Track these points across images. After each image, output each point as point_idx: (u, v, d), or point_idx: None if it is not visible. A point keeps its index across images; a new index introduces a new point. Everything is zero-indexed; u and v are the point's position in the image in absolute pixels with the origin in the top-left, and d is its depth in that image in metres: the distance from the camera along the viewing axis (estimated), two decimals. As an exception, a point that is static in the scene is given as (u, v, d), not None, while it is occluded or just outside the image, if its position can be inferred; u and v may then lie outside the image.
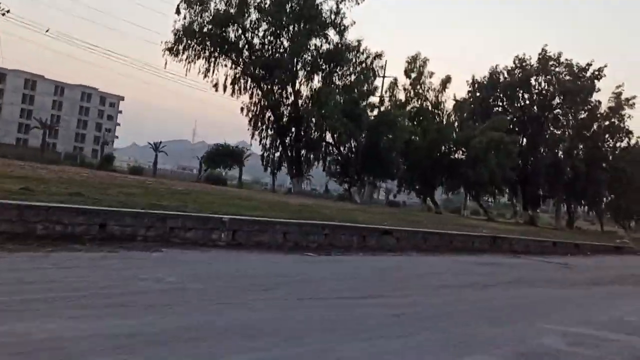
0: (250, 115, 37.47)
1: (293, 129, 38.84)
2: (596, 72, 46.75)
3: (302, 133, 38.42)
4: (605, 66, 46.10)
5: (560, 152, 47.90)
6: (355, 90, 36.14)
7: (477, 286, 9.93)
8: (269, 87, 37.30)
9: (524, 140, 49.42)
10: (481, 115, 47.03)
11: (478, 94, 48.71)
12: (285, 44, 37.55)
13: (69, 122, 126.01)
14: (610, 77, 48.83)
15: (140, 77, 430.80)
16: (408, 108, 43.48)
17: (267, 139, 38.25)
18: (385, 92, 45.26)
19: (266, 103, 37.24)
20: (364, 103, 35.46)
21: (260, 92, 37.19)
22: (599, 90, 47.91)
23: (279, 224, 12.54)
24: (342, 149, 39.39)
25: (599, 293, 10.68)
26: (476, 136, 39.16)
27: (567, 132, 48.51)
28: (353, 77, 38.13)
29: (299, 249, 12.21)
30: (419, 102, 44.43)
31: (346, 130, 34.92)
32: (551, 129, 49.26)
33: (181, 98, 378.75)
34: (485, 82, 48.97)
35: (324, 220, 14.68)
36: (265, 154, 39.03)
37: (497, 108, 48.92)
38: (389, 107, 44.14)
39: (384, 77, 42.34)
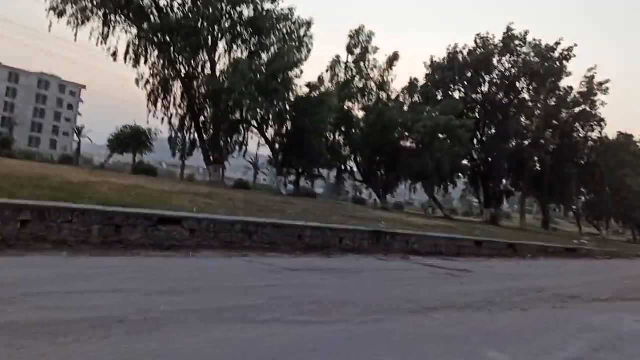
0: (149, 89, 32.08)
1: (209, 108, 33.60)
2: (565, 53, 42.04)
3: (220, 113, 33.18)
4: (575, 45, 41.48)
5: (527, 143, 43.00)
6: (279, 63, 30.91)
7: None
8: (177, 56, 32.01)
9: (486, 129, 44.61)
10: (438, 100, 42.15)
11: (436, 77, 43.77)
12: (201, 7, 32.29)
13: (24, 110, 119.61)
14: (583, 62, 43.87)
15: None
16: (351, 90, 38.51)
17: (176, 117, 32.93)
18: (327, 70, 40.33)
19: (172, 74, 31.91)
20: (283, 76, 30.16)
21: (165, 62, 31.85)
22: (569, 74, 43.26)
23: None
24: (266, 133, 34.19)
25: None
26: (421, 120, 34.14)
27: (533, 121, 43.67)
28: (278, 47, 33.00)
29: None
30: (362, 82, 39.44)
31: (257, 108, 29.75)
32: (517, 116, 44.39)
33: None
34: (444, 63, 44.06)
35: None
36: (174, 136, 33.67)
37: (456, 92, 43.98)
38: (330, 87, 39.23)
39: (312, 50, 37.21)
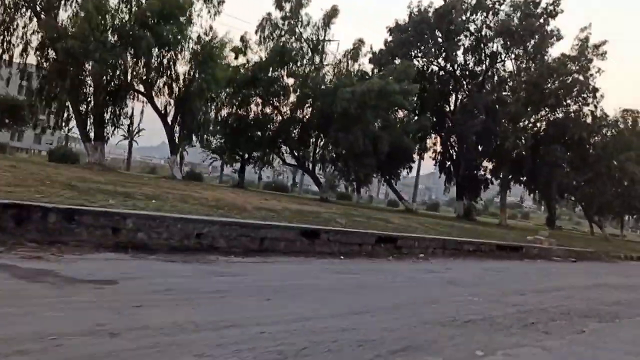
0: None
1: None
2: (550, 7, 34.92)
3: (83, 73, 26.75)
4: (563, -3, 34.22)
5: (505, 121, 35.88)
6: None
7: None
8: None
9: (458, 103, 37.73)
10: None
11: (394, 41, 36.96)
12: None
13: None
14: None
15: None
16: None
17: (31, 80, 26.58)
18: (256, 31, 33.85)
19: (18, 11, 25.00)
20: (157, 22, 23.64)
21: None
22: (559, 36, 36.15)
23: None
24: (155, 100, 27.84)
25: None
26: (352, 84, 27.42)
27: (512, 92, 36.61)
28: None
29: None
30: (297, 45, 32.91)
31: (113, 61, 23.36)
32: (492, 87, 37.39)
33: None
34: (405, 25, 37.26)
35: None
36: (32, 104, 27.39)
37: (418, 59, 37.09)
38: (260, 51, 32.95)
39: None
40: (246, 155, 34.96)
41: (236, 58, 33.07)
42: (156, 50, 26.05)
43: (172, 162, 27.92)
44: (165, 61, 26.69)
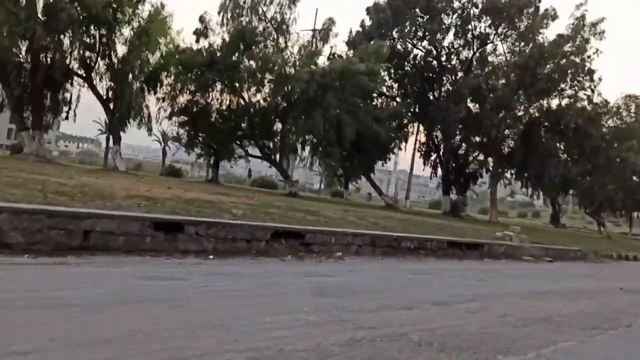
0: None
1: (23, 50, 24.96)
2: (542, -18, 32.13)
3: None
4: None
5: (493, 107, 33.07)
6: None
7: None
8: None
9: (440, 90, 35.01)
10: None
11: (370, 22, 34.32)
12: None
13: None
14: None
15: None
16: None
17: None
18: (219, 12, 31.30)
19: None
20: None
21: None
22: (553, 15, 33.32)
23: None
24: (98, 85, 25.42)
25: None
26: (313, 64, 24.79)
27: (499, 75, 33.84)
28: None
29: None
30: (253, 23, 30.36)
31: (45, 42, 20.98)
32: (480, 71, 34.62)
33: None
34: (385, 3, 34.55)
35: None
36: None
37: (397, 41, 34.38)
38: (223, 33, 30.50)
39: None
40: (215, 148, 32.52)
41: (197, 41, 30.71)
42: (93, 29, 23.76)
43: (115, 152, 25.47)
44: (104, 40, 24.27)
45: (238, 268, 8.32)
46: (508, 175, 36.90)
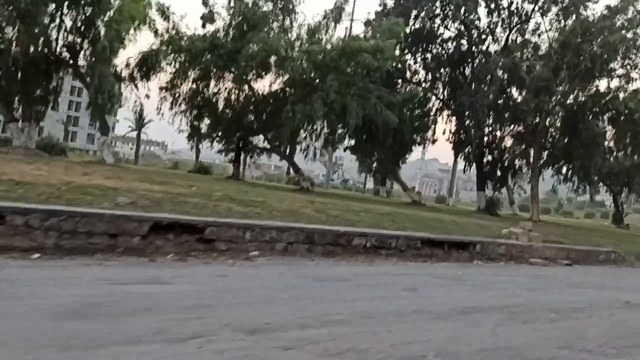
0: None
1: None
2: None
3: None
4: None
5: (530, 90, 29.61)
6: None
7: None
8: None
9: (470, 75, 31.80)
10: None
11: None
12: None
13: None
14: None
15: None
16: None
17: None
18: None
19: None
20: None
21: None
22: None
23: None
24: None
25: None
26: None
27: (539, 56, 30.30)
28: None
29: None
30: (267, 6, 28.28)
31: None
32: (515, 51, 31.18)
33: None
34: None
35: None
36: None
37: (420, 19, 31.39)
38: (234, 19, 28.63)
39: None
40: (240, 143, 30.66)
41: (203, 26, 29.05)
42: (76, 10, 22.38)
43: (102, 143, 23.98)
44: (89, 21, 22.87)
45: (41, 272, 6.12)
46: (550, 169, 33.06)
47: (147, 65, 24.89)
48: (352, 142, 29.78)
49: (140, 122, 58.84)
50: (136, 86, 24.47)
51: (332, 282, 7.33)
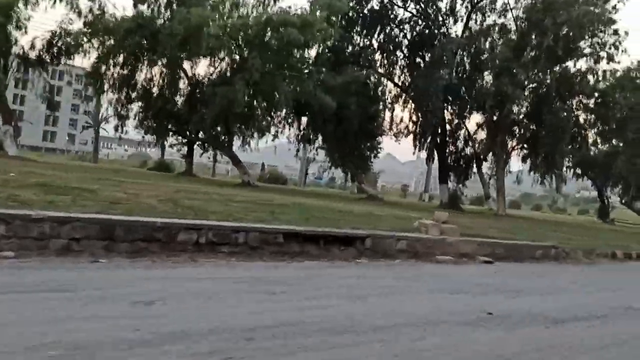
0: None
1: None
2: None
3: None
4: None
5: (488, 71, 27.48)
6: None
7: None
8: None
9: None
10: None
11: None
12: None
13: None
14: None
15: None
16: None
17: None
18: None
19: None
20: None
21: None
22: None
23: None
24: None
25: None
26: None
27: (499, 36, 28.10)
28: None
29: None
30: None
31: None
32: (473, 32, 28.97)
33: None
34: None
35: None
36: None
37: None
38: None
39: None
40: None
41: (135, 6, 26.80)
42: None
43: (4, 133, 21.63)
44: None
45: None
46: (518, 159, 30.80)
47: (58, 46, 22.56)
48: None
49: (98, 117, 56.26)
50: (45, 69, 22.10)
51: (36, 294, 5.05)
